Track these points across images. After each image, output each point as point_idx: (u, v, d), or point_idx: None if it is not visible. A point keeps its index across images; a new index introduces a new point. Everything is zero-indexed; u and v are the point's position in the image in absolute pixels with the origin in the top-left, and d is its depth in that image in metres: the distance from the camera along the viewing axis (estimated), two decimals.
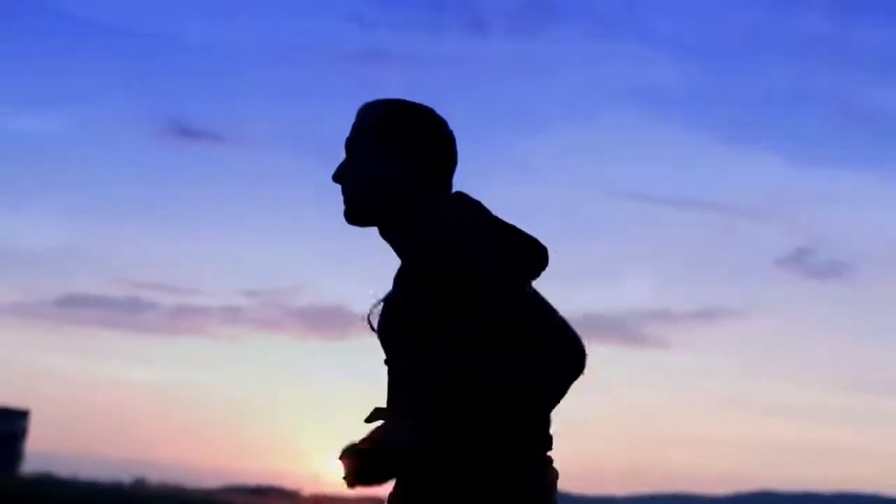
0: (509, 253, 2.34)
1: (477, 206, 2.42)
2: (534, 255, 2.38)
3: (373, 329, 2.49)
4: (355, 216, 2.48)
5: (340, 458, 2.35)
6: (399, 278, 2.45)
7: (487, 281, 2.29)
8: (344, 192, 2.49)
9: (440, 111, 2.53)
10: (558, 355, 2.29)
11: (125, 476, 23.60)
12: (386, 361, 2.47)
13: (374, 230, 2.52)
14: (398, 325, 2.38)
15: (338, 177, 2.49)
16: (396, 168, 2.43)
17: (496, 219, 2.40)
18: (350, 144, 2.50)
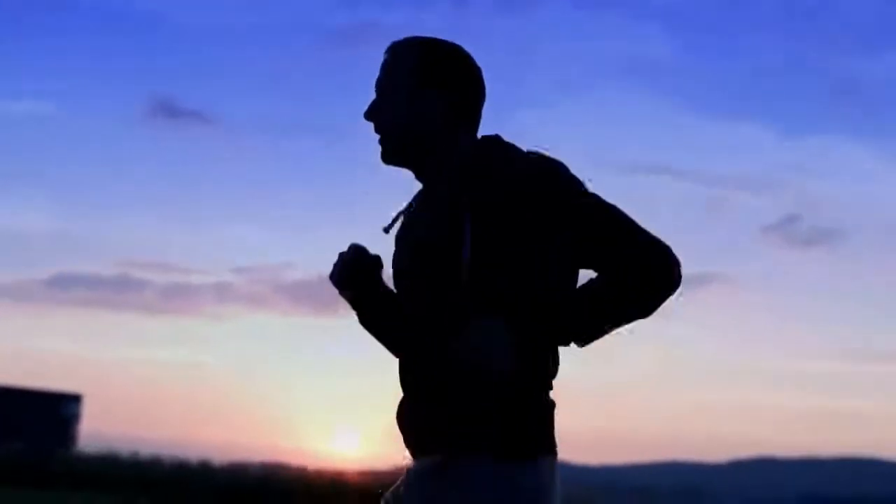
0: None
1: (515, 146, 2.43)
2: None
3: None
4: (392, 155, 2.48)
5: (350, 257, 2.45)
6: (429, 212, 2.42)
7: (579, 200, 2.30)
8: (378, 130, 2.48)
9: None
10: (651, 272, 2.28)
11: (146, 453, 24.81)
12: (414, 280, 2.42)
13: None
14: (450, 249, 2.32)
15: (371, 115, 2.49)
16: (434, 104, 2.44)
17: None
18: (382, 84, 2.50)
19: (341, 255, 2.49)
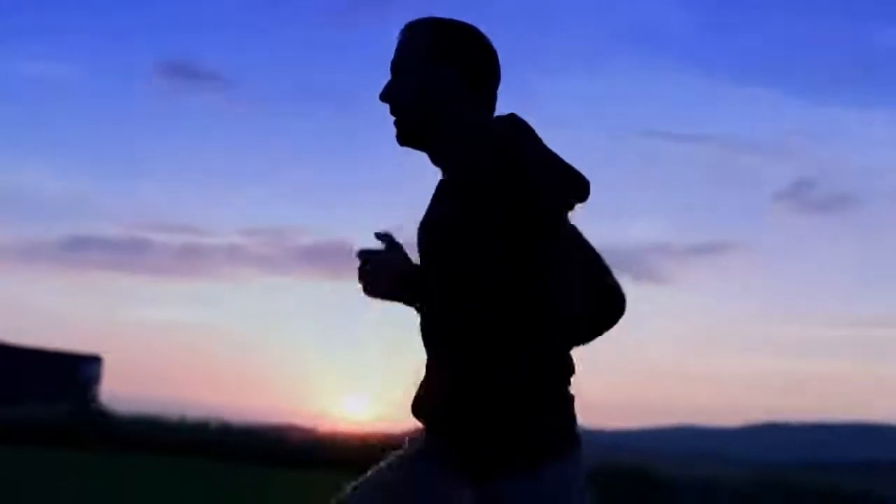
0: (559, 180, 2.33)
1: (530, 129, 2.39)
2: (579, 186, 2.39)
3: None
4: (407, 135, 2.47)
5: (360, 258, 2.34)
6: (444, 194, 2.44)
7: (547, 206, 2.26)
8: (393, 111, 2.47)
9: None
10: (606, 299, 2.35)
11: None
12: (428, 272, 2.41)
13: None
14: (453, 231, 2.32)
15: (385, 96, 2.48)
16: (446, 83, 2.42)
17: (546, 147, 2.38)
18: (396, 64, 2.48)
19: (359, 268, 2.36)
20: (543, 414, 2.30)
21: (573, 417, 2.36)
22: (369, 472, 2.47)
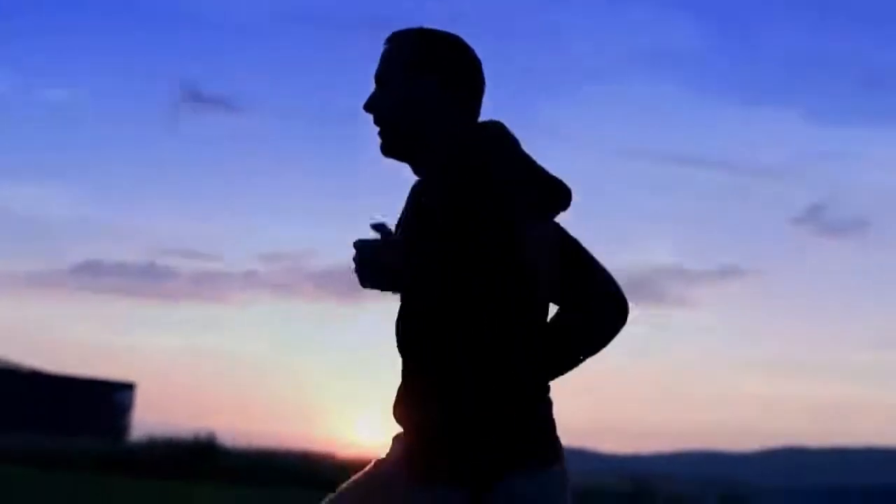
0: (534, 189, 2.35)
1: (511, 138, 2.41)
2: (558, 194, 2.39)
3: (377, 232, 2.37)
4: (390, 146, 2.46)
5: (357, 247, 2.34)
6: (417, 196, 2.42)
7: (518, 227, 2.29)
8: (377, 121, 2.46)
9: None
10: (608, 310, 2.34)
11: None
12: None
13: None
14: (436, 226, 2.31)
15: (370, 107, 2.47)
16: (429, 94, 2.42)
17: (526, 155, 2.40)
18: (381, 74, 2.47)
19: (354, 258, 2.35)
20: (530, 417, 2.32)
21: (554, 425, 2.37)
22: (344, 484, 2.50)
